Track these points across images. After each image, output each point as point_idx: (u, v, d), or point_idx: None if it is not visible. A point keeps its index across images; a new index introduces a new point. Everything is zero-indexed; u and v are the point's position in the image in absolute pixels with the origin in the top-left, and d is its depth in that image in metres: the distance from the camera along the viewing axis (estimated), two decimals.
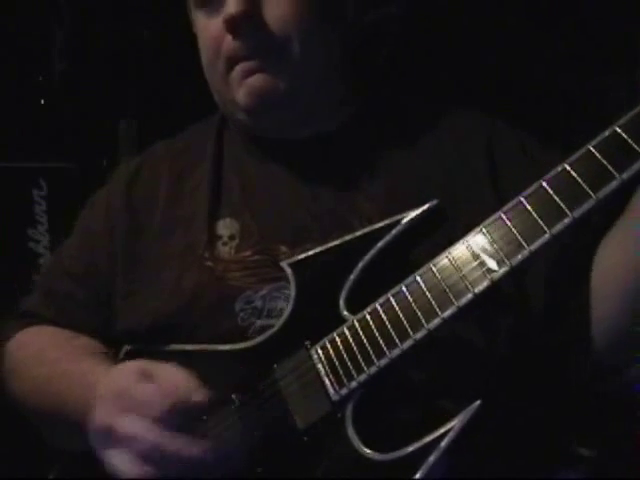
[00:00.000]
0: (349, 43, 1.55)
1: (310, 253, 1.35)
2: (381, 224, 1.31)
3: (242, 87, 1.46)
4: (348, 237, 1.33)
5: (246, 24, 1.42)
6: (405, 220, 1.29)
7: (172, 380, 1.22)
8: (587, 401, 1.55)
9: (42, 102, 2.72)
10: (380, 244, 1.30)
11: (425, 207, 1.29)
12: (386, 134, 1.51)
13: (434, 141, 1.49)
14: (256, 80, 1.44)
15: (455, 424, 1.15)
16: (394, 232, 1.30)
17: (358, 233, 1.32)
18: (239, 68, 1.45)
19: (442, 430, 1.16)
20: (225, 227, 1.48)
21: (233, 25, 1.42)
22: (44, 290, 1.63)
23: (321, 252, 1.35)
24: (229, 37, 1.44)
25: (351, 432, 1.22)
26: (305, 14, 1.45)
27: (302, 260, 1.36)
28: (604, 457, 1.90)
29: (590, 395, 1.51)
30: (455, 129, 1.50)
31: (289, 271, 1.36)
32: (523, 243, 1.17)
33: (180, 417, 1.21)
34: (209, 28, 1.48)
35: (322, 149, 1.50)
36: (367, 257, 1.30)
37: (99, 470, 1.39)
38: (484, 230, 1.20)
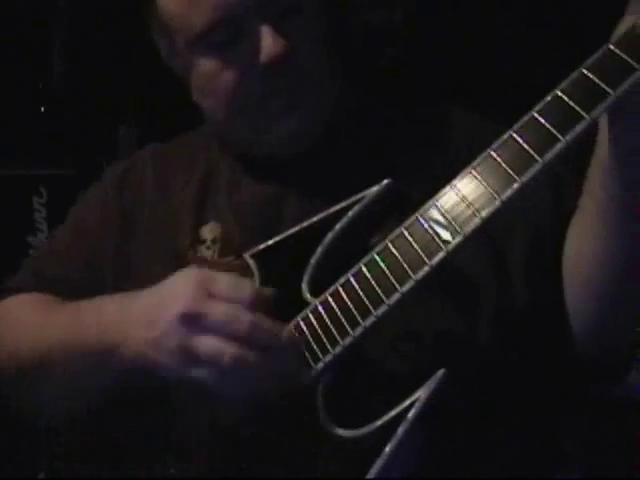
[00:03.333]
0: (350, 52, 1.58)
1: (270, 242, 1.37)
2: (337, 207, 1.33)
3: (279, 123, 1.45)
4: (306, 222, 1.35)
5: (282, 63, 1.39)
6: (361, 201, 1.31)
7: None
8: (586, 401, 1.54)
9: (42, 109, 2.75)
10: (338, 226, 1.32)
11: (378, 187, 1.30)
12: (375, 137, 1.51)
13: (421, 140, 1.49)
14: (294, 121, 1.44)
15: (420, 394, 1.17)
16: (351, 213, 1.31)
17: (315, 218, 1.34)
18: (274, 103, 1.43)
19: (408, 402, 1.17)
20: (209, 231, 1.49)
21: (273, 66, 1.38)
22: (34, 271, 1.61)
23: (281, 240, 1.36)
24: (255, 76, 1.41)
25: (322, 413, 1.24)
26: (323, 47, 1.46)
27: (263, 250, 1.38)
28: (604, 458, 1.90)
29: (589, 395, 1.52)
30: (442, 129, 1.50)
31: (251, 262, 1.38)
32: (475, 212, 1.18)
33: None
34: (227, 72, 1.43)
35: (313, 154, 1.49)
36: (326, 240, 1.32)
37: (89, 469, 1.43)
38: (436, 203, 1.21)
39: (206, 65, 1.45)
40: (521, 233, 1.38)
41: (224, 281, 1.25)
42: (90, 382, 1.37)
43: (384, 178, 1.40)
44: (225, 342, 1.19)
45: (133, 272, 1.54)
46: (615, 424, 1.91)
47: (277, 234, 1.41)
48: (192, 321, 1.21)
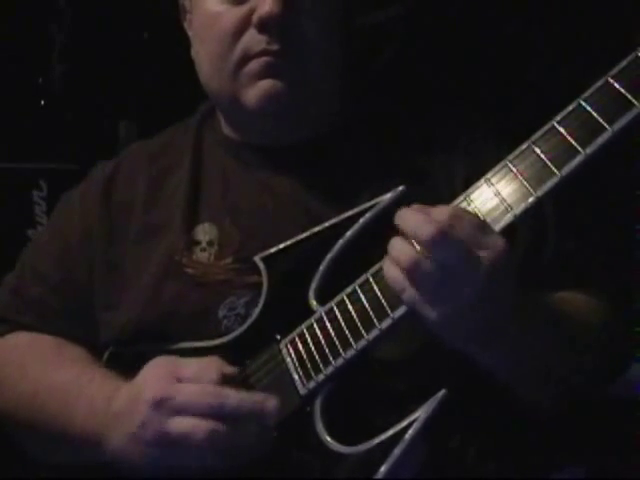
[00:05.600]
0: (351, 48, 1.53)
1: (281, 246, 1.33)
2: (349, 213, 1.29)
3: (253, 88, 1.40)
4: (317, 228, 1.31)
5: (278, 24, 1.36)
6: (373, 208, 1.27)
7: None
8: (585, 401, 1.51)
9: (42, 103, 2.71)
10: (348, 233, 1.28)
11: (390, 195, 1.26)
12: (373, 139, 1.47)
13: (419, 143, 1.44)
14: (270, 85, 1.38)
15: (419, 415, 1.13)
16: (362, 220, 1.27)
17: (327, 224, 1.30)
18: (255, 64, 1.39)
19: (406, 422, 1.14)
20: (204, 232, 1.44)
21: (268, 23, 1.36)
22: (17, 293, 1.56)
23: (292, 244, 1.32)
24: (253, 30, 1.38)
25: (319, 426, 1.21)
26: (329, 27, 1.42)
27: (274, 254, 1.34)
28: (604, 458, 1.87)
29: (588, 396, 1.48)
30: (441, 133, 1.46)
31: (261, 265, 1.34)
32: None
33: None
34: (228, 16, 1.40)
35: (309, 155, 1.45)
36: (336, 247, 1.28)
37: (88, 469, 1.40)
38: None
39: (211, 6, 1.43)
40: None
41: (191, 365, 1.26)
42: (80, 453, 1.39)
43: (377, 182, 1.36)
44: (196, 420, 1.21)
45: (122, 280, 1.48)
46: (615, 424, 1.89)
47: (275, 234, 1.37)
48: (163, 405, 1.23)
